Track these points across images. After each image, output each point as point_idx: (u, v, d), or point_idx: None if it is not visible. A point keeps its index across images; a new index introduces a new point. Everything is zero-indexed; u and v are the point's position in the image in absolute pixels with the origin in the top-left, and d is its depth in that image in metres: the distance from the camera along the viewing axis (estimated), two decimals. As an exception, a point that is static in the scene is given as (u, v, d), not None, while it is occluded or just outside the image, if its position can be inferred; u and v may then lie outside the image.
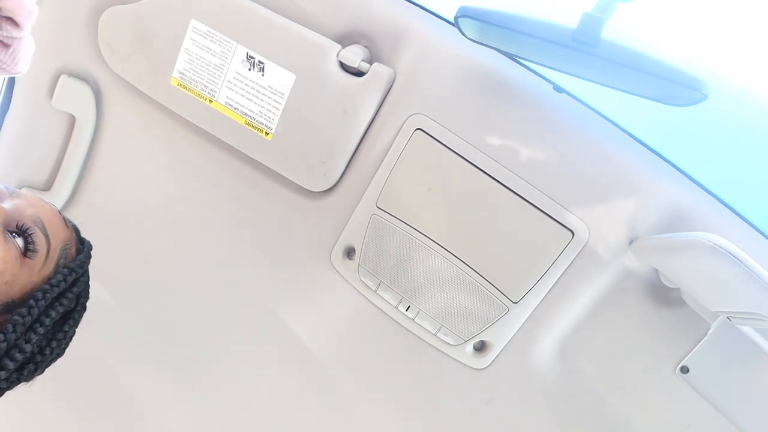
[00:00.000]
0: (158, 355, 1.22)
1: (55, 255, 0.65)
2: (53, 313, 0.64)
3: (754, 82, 0.87)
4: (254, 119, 0.93)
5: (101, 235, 1.18)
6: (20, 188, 1.11)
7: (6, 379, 0.58)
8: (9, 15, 0.61)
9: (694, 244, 0.66)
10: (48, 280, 0.64)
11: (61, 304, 0.66)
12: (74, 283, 0.69)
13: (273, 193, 1.01)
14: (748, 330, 0.73)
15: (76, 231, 0.73)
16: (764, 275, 0.62)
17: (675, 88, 0.61)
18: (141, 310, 1.20)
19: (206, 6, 0.91)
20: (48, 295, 0.63)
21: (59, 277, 0.65)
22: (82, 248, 0.73)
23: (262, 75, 0.91)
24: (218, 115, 0.96)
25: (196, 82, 0.95)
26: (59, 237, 0.67)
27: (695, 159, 0.83)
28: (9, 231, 0.60)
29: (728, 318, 0.72)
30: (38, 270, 0.63)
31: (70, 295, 0.68)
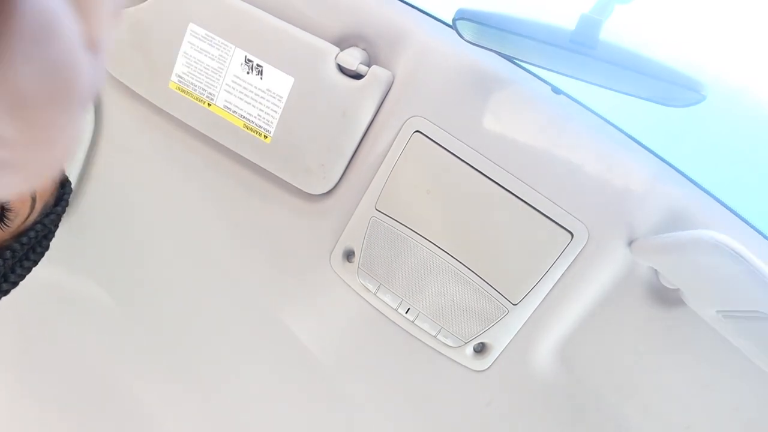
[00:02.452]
0: (157, 357, 1.21)
1: (34, 216, 0.60)
2: (19, 270, 0.60)
3: (752, 82, 0.87)
4: (253, 122, 0.93)
5: (100, 240, 1.18)
6: None
7: None
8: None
9: (695, 241, 0.67)
10: (18, 238, 0.59)
11: (28, 259, 0.61)
12: (46, 236, 0.64)
13: (272, 197, 1.01)
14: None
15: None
16: (766, 272, 0.62)
17: (673, 90, 0.61)
18: (140, 313, 1.20)
19: (204, 9, 0.91)
20: (17, 253, 0.58)
21: (32, 234, 0.60)
22: (62, 193, 0.65)
23: (261, 78, 0.91)
24: (217, 119, 0.96)
25: (195, 86, 0.95)
26: (45, 196, 0.61)
27: (694, 160, 0.83)
28: None
29: (727, 316, 0.72)
30: (10, 231, 0.57)
31: (39, 249, 0.63)
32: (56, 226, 0.66)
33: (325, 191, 0.96)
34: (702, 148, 0.94)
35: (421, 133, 0.87)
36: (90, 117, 1.05)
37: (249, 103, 0.93)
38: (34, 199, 0.58)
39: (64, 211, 0.66)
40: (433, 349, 0.98)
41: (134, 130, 1.06)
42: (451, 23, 0.73)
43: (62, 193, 0.65)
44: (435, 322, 0.94)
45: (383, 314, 0.99)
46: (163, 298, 1.17)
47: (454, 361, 0.97)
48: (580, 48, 0.61)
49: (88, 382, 1.26)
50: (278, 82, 0.90)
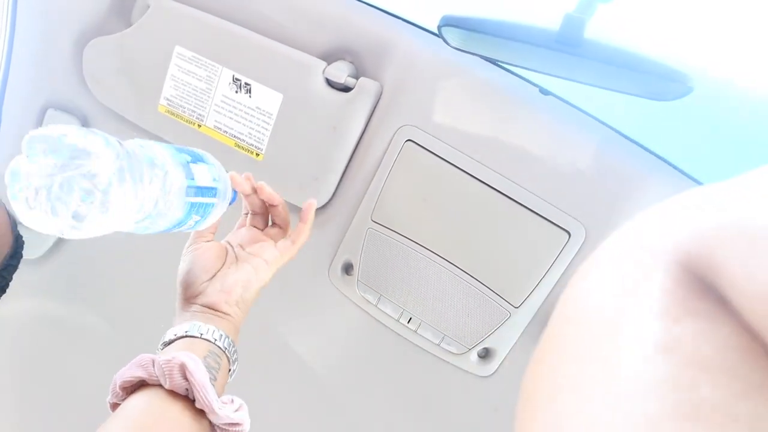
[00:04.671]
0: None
1: None
2: None
3: (739, 72, 0.88)
4: (244, 141, 0.93)
5: (98, 270, 1.17)
6: None
7: None
8: None
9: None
10: None
11: None
12: (2, 288, 0.65)
13: (267, 214, 1.00)
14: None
15: (14, 224, 0.69)
16: None
17: (660, 83, 0.62)
18: (136, 336, 1.19)
19: (189, 32, 0.91)
20: None
21: None
22: (15, 247, 0.68)
23: (250, 96, 0.91)
24: (208, 140, 0.96)
25: (184, 108, 0.95)
26: (1, 251, 0.63)
27: (686, 153, 0.83)
28: None
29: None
30: None
31: None
32: (11, 278, 0.68)
33: (320, 206, 0.95)
34: (693, 141, 0.94)
35: (413, 141, 0.87)
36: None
37: (239, 122, 0.93)
38: None
39: (18, 263, 0.68)
40: (438, 357, 0.97)
41: (125, 155, 1.05)
42: (436, 31, 0.73)
43: (16, 247, 0.68)
44: (437, 330, 0.94)
45: (385, 325, 0.99)
46: (159, 319, 1.16)
47: (459, 368, 0.97)
48: (566, 47, 0.62)
49: (90, 409, 1.24)
50: (267, 99, 0.90)
